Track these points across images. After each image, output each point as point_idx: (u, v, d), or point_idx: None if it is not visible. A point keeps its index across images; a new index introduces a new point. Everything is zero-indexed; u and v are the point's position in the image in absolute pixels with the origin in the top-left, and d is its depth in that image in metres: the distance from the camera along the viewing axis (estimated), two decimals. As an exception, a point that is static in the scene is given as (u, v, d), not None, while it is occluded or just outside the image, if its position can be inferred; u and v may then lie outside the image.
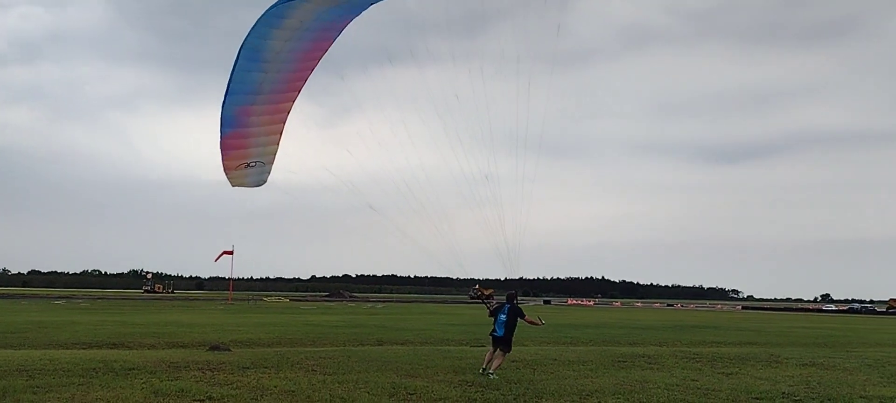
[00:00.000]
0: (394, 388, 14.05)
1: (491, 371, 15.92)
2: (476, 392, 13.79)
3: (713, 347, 28.87)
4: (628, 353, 23.04)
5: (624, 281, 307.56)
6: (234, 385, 13.94)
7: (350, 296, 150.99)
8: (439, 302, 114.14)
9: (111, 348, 23.95)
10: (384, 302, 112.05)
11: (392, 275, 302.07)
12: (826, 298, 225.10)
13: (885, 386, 15.87)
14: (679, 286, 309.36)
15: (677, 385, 15.29)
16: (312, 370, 16.61)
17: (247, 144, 15.48)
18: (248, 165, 15.91)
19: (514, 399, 13.12)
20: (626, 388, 14.71)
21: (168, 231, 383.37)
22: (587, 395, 13.83)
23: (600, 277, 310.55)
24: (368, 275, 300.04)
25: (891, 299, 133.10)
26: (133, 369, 16.03)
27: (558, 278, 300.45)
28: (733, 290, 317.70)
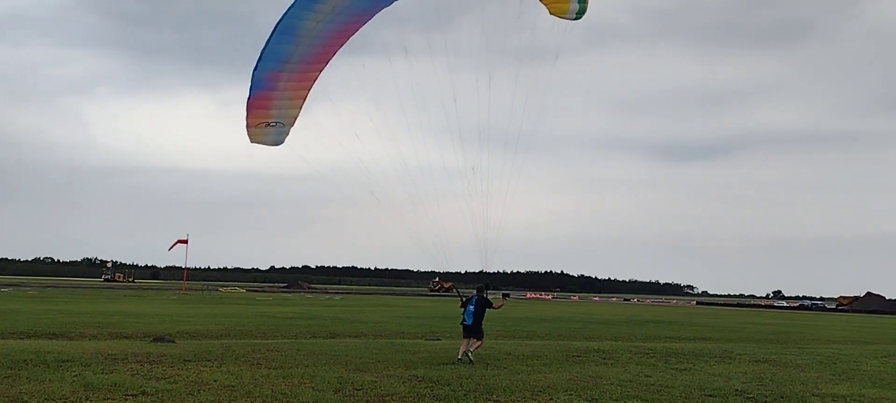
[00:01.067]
0: (340, 383, 13.55)
1: (470, 352, 17.30)
2: (426, 387, 13.36)
3: (668, 342, 28.91)
4: (583, 348, 22.86)
5: (582, 276, 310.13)
6: (172, 379, 13.30)
7: (309, 288, 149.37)
8: (398, 295, 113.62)
9: (49, 338, 22.96)
10: (342, 293, 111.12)
11: (352, 267, 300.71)
12: (778, 295, 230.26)
13: (836, 384, 15.85)
14: (636, 281, 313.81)
15: (630, 381, 15.06)
16: (257, 363, 16.01)
17: (270, 105, 16.36)
18: (269, 124, 16.75)
19: (465, 395, 12.72)
20: (579, 384, 14.43)
21: (124, 219, 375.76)
22: (539, 391, 13.50)
23: (559, 271, 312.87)
24: (328, 267, 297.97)
25: (840, 296, 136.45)
26: (67, 361, 15.26)
27: (518, 272, 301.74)
28: (688, 286, 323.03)
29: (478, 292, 17.75)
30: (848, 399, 13.64)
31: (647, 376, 16.06)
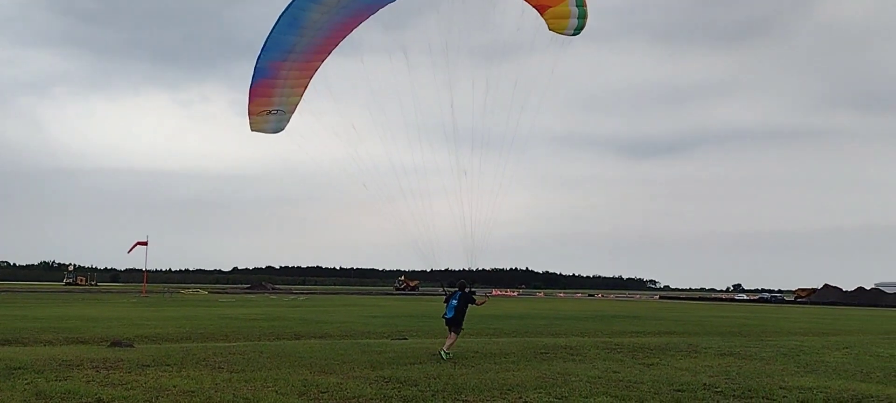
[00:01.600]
0: (305, 386, 13.20)
1: (443, 350, 17.84)
2: (393, 388, 13.08)
3: (634, 337, 29.00)
4: (550, 344, 22.76)
5: (547, 272, 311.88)
6: (129, 386, 12.82)
7: (273, 288, 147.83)
8: (364, 294, 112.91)
9: (1, 345, 22.16)
10: (307, 294, 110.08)
11: (317, 267, 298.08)
12: (738, 288, 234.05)
13: (802, 376, 15.94)
14: (600, 276, 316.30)
15: (599, 378, 14.96)
16: (219, 367, 15.56)
17: (272, 93, 16.81)
18: (270, 112, 17.23)
19: (433, 395, 12.47)
20: (548, 381, 14.27)
21: (81, 221, 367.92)
22: (509, 390, 13.31)
23: (525, 268, 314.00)
24: (293, 267, 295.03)
25: (798, 289, 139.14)
26: (19, 368, 14.66)
27: (483, 269, 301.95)
28: (651, 281, 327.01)
29: (460, 288, 18.18)
30: (814, 392, 13.68)
31: (615, 372, 15.98)
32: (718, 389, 13.83)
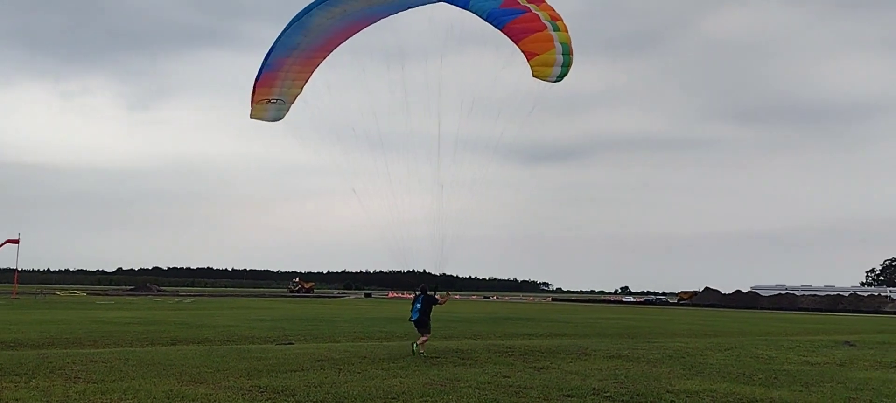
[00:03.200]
0: (168, 397, 12.00)
1: (419, 349, 19.09)
2: (268, 399, 12.08)
3: (526, 339, 28.91)
4: (441, 348, 22.20)
5: (444, 275, 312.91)
6: (-40, 401, 11.26)
7: (158, 290, 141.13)
8: (255, 297, 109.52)
9: None
10: (195, 296, 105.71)
11: (207, 268, 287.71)
12: (625, 290, 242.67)
13: (688, 379, 15.98)
14: (495, 279, 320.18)
15: (488, 383, 14.45)
16: (75, 377, 14.07)
17: (274, 84, 18.20)
18: (270, 101, 18.44)
19: (311, 406, 11.56)
20: (435, 388, 13.63)
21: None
22: (394, 397, 12.58)
23: (422, 271, 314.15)
24: (181, 268, 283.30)
25: (681, 291, 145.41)
26: None
27: (380, 271, 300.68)
28: (544, 283, 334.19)
29: (422, 291, 19.21)
30: (701, 396, 13.65)
31: (505, 376, 15.54)
32: (607, 394, 13.58)
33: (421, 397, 12.64)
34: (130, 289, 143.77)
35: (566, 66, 15.32)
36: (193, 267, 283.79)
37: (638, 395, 13.52)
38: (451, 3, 15.91)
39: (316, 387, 13.37)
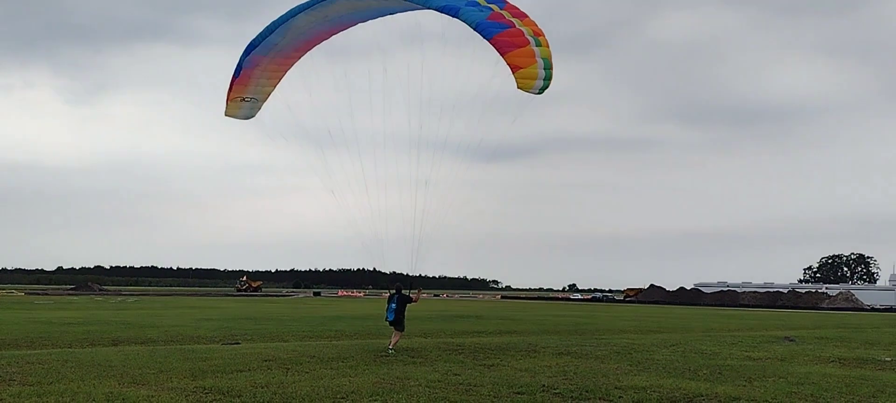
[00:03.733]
0: (109, 400, 11.63)
1: (390, 348, 19.63)
2: (212, 400, 11.80)
3: (476, 337, 28.95)
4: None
5: (394, 273, 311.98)
6: None
7: (100, 290, 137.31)
8: (201, 296, 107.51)
9: None
10: (139, 295, 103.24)
11: (152, 267, 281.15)
12: (573, 288, 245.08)
13: (635, 375, 16.19)
14: (445, 277, 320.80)
15: (439, 381, 14.39)
16: (9, 380, 13.54)
17: (248, 83, 18.57)
18: (244, 99, 18.79)
19: (257, 407, 11.33)
20: (385, 387, 13.51)
21: None
22: (343, 397, 12.43)
23: (372, 269, 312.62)
24: (125, 267, 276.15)
25: (627, 288, 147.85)
26: None
27: (330, 269, 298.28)
28: (494, 281, 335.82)
29: (397, 291, 19.83)
30: (647, 391, 13.82)
31: (455, 375, 15.50)
32: (557, 390, 13.66)
33: (370, 396, 12.51)
34: (71, 289, 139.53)
35: (547, 79, 16.04)
36: (137, 265, 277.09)
37: (587, 391, 13.63)
38: (441, 12, 16.20)
39: (262, 388, 13.12)
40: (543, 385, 14.21)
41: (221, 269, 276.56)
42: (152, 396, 12.06)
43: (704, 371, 17.26)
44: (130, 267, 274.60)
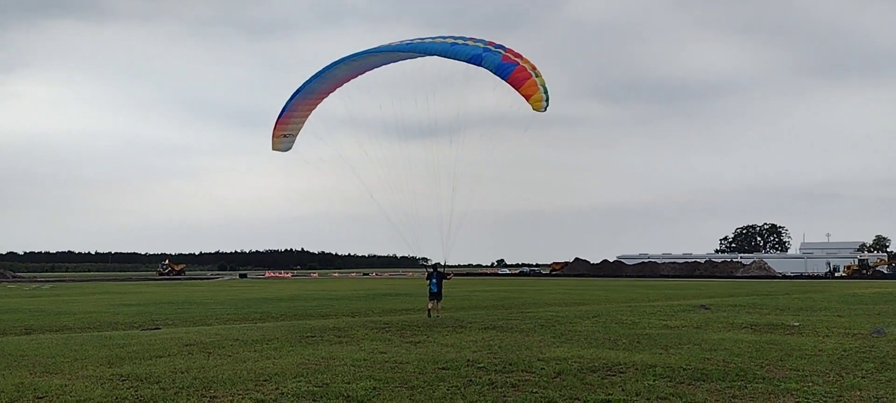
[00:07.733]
0: (19, 391, 11.18)
1: (437, 313, 24.58)
2: (129, 388, 11.48)
3: (403, 315, 29.07)
4: (318, 326, 21.96)
5: (323, 252, 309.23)
6: None
7: (13, 276, 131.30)
8: (122, 281, 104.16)
9: None
10: (55, 282, 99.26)
11: (68, 252, 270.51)
12: (501, 263, 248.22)
13: (558, 347, 16.57)
14: (375, 255, 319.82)
15: (364, 360, 14.40)
16: None
17: (289, 122, 22.16)
18: (285, 136, 22.32)
19: (176, 393, 11.07)
20: (310, 368, 13.43)
21: None
22: (266, 380, 12.27)
23: (300, 249, 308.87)
24: (40, 252, 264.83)
25: (553, 262, 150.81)
26: None
27: (257, 251, 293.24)
28: (423, 258, 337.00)
29: (435, 269, 24.94)
30: (569, 362, 14.17)
31: (381, 353, 15.54)
32: (481, 364, 13.85)
33: (294, 379, 12.41)
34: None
35: (547, 100, 19.63)
36: (53, 251, 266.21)
37: (510, 364, 13.88)
38: (468, 62, 19.50)
39: (183, 373, 12.86)
40: (468, 360, 14.39)
41: (143, 253, 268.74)
42: (66, 385, 11.66)
43: (624, 341, 17.81)
44: (46, 253, 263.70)
